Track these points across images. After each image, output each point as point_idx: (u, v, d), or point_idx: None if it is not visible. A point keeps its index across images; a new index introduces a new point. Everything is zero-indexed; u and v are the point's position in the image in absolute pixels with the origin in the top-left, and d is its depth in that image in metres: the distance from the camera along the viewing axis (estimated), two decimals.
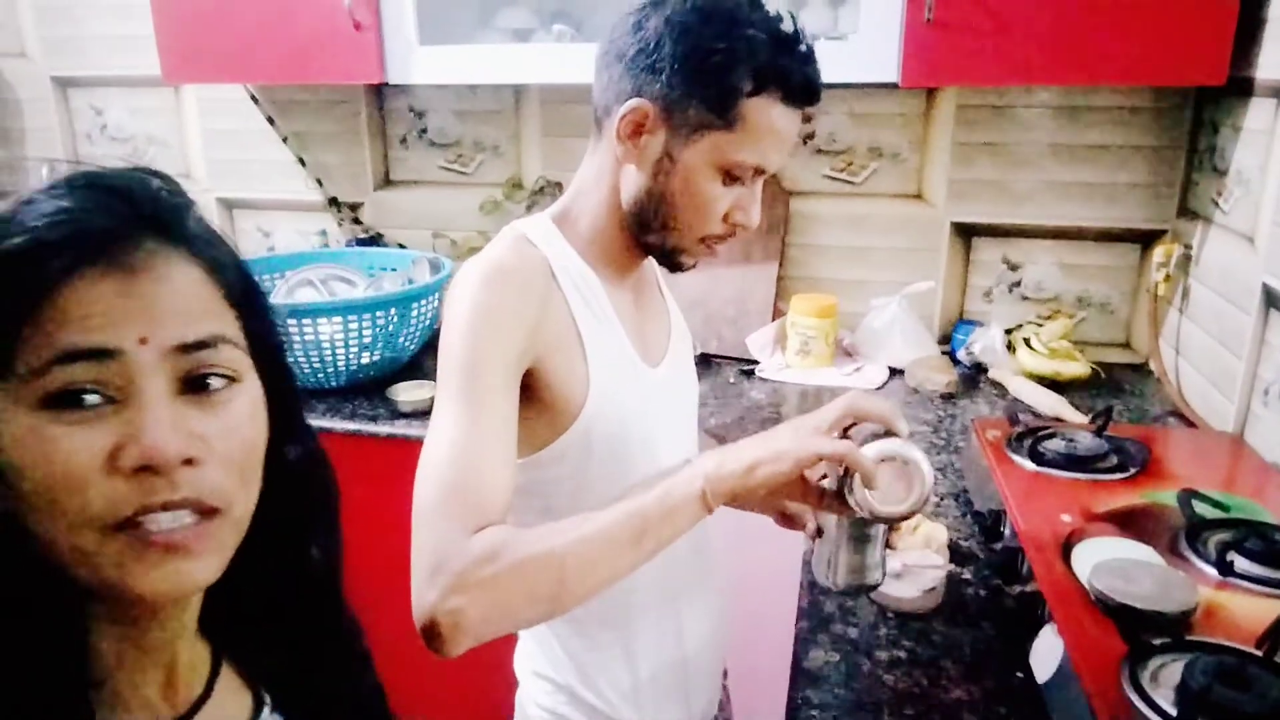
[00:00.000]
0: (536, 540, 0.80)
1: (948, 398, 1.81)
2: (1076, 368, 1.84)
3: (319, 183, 2.39)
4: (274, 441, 0.56)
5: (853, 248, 2.11)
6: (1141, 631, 0.87)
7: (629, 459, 0.99)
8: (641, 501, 0.82)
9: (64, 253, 0.48)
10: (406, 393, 1.79)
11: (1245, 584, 0.98)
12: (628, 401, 0.99)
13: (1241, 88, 1.58)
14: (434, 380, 0.92)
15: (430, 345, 1.93)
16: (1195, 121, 1.85)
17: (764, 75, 0.91)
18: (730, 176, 0.96)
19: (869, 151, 2.06)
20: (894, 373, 1.95)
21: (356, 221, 2.40)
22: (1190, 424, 1.64)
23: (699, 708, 1.15)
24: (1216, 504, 1.13)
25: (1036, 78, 1.75)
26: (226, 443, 0.52)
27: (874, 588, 0.99)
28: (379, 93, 2.30)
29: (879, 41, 1.67)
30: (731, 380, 1.95)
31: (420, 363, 1.99)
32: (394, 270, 2.14)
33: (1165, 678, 0.82)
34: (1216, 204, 1.68)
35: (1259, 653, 0.84)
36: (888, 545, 1.05)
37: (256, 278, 0.59)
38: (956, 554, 1.21)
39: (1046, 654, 0.95)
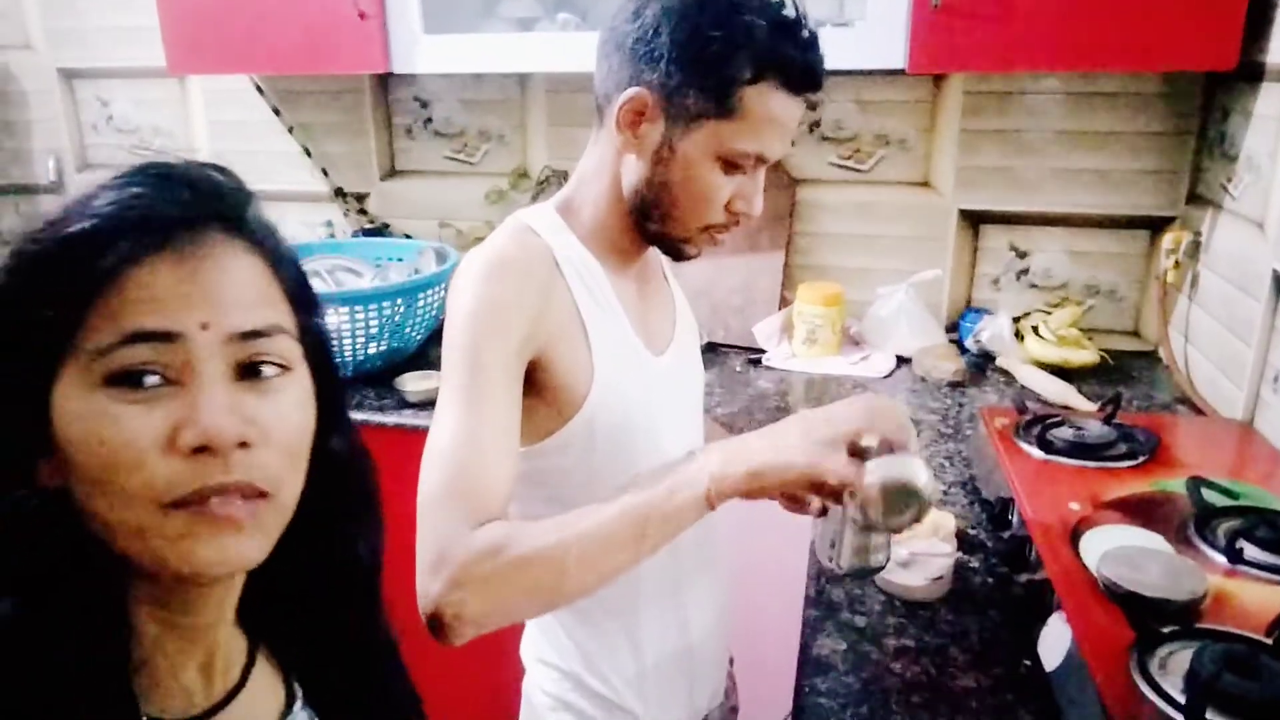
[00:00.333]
0: (538, 536, 0.80)
1: (955, 386, 1.81)
2: (1085, 355, 1.83)
3: (325, 173, 2.39)
4: (319, 433, 0.58)
5: (860, 236, 2.11)
6: (1150, 619, 0.87)
7: (633, 447, 0.99)
8: (645, 498, 0.81)
9: (132, 238, 0.50)
10: (413, 383, 1.79)
11: (1255, 572, 0.97)
12: (631, 390, 0.99)
13: (1252, 73, 1.57)
14: (440, 370, 0.92)
15: (437, 335, 1.93)
16: (1205, 107, 1.83)
17: (763, 63, 0.90)
18: (731, 165, 0.95)
19: (876, 139, 2.05)
20: (901, 361, 1.94)
21: (362, 212, 2.40)
22: (1199, 411, 1.63)
23: (704, 695, 1.15)
24: (1226, 491, 1.13)
25: (1044, 64, 1.73)
26: (278, 429, 0.53)
27: (878, 570, 0.98)
28: (384, 82, 2.30)
29: (886, 28, 1.66)
30: (738, 369, 1.94)
31: (427, 353, 1.99)
32: (400, 260, 2.14)
33: (1174, 666, 0.82)
34: (1226, 190, 1.67)
35: (1268, 641, 0.84)
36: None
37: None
38: (964, 542, 1.21)
39: (1054, 642, 0.94)
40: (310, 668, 0.65)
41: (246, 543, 0.52)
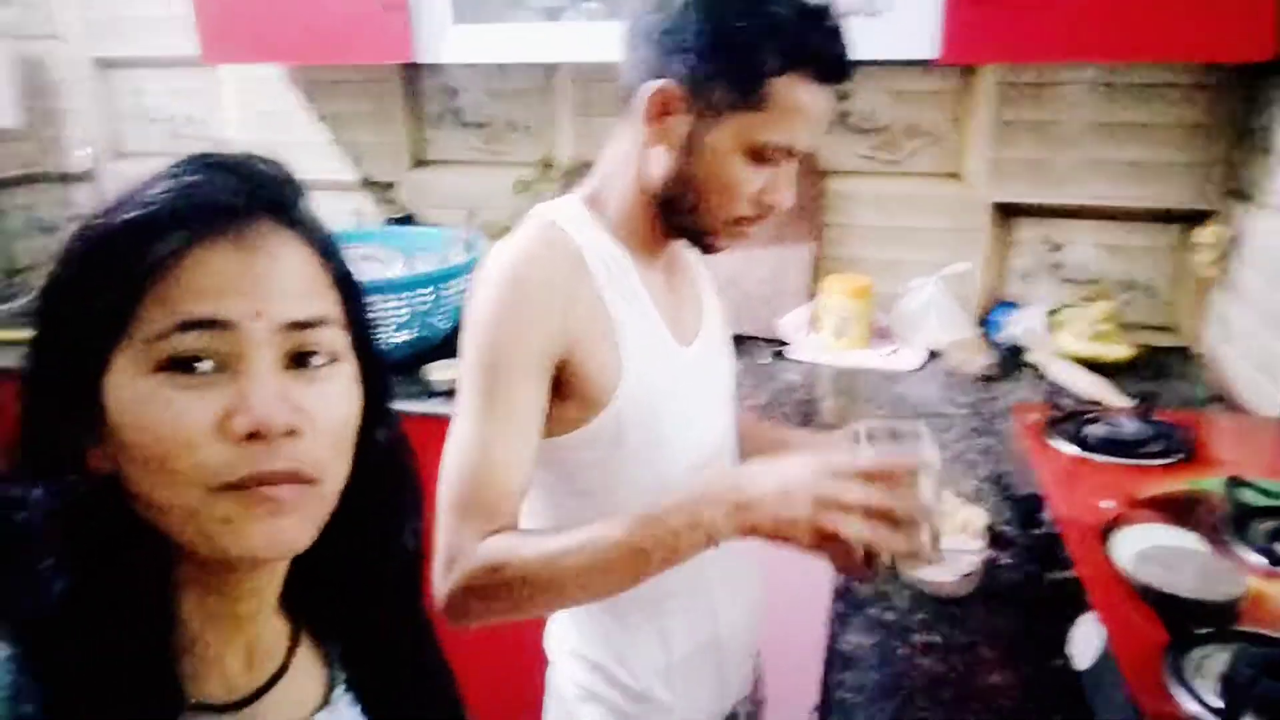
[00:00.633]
0: (538, 556, 0.86)
1: (986, 380, 1.79)
2: (1118, 350, 1.80)
3: (354, 162, 2.40)
4: (364, 423, 0.58)
5: (890, 228, 2.09)
6: (1185, 621, 0.86)
7: (662, 439, 0.99)
8: (649, 534, 0.84)
9: (188, 226, 0.51)
10: (439, 372, 1.80)
11: None
12: (660, 382, 0.99)
13: None
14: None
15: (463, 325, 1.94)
16: (1243, 99, 1.79)
17: (791, 53, 0.89)
18: (760, 157, 0.93)
19: (907, 130, 2.02)
20: (931, 355, 1.92)
21: (390, 201, 2.41)
22: (1236, 409, 1.60)
23: (732, 688, 1.15)
24: (1264, 491, 1.10)
25: (1079, 54, 1.70)
26: (325, 417, 0.54)
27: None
28: (412, 72, 2.30)
29: (917, 17, 1.64)
30: (765, 361, 1.93)
31: (453, 342, 1.97)
32: (427, 250, 2.15)
33: (1209, 669, 0.80)
34: (1265, 185, 1.64)
35: None
36: None
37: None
38: (994, 539, 1.19)
39: (1085, 641, 0.93)
40: (352, 653, 0.66)
41: (294, 527, 0.53)
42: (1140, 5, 1.52)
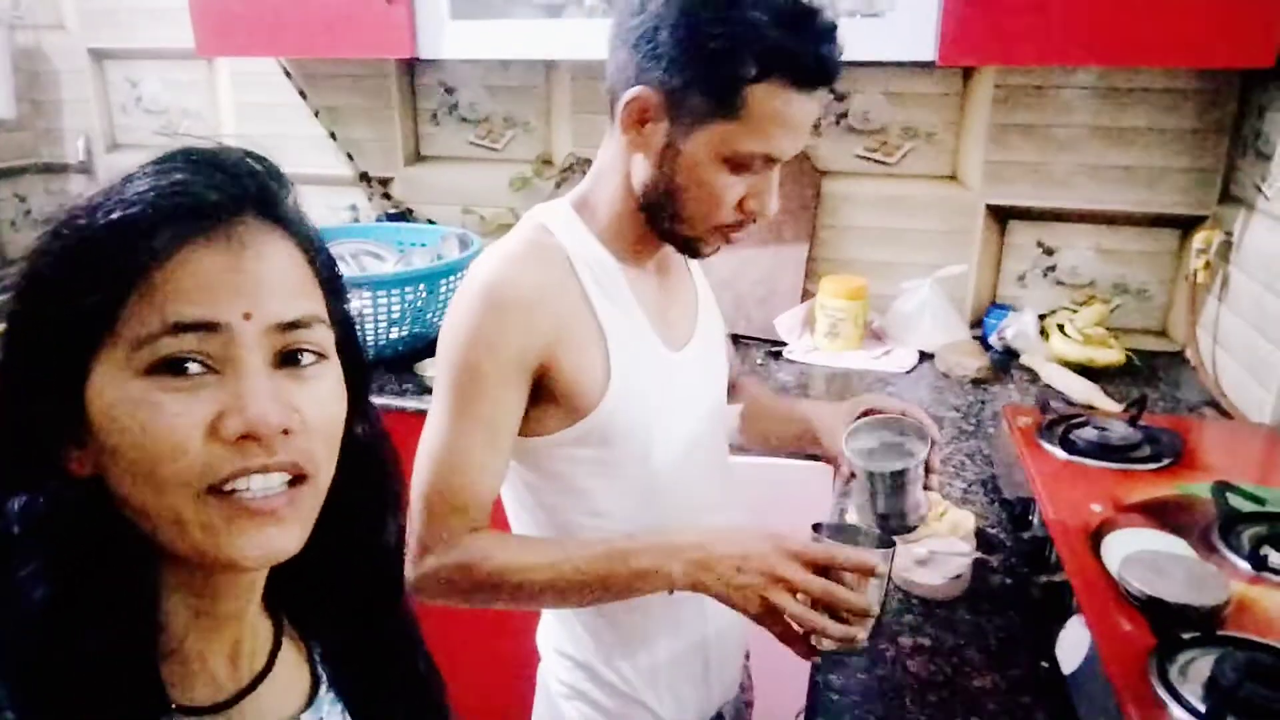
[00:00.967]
0: (509, 567, 0.92)
1: (978, 383, 1.79)
2: (1111, 355, 1.81)
3: (350, 157, 2.40)
4: (346, 420, 0.58)
5: (885, 229, 2.09)
6: (1171, 625, 0.86)
7: (650, 444, 0.99)
8: (613, 574, 0.91)
9: (174, 225, 0.49)
10: (434, 368, 1.80)
11: (1279, 579, 0.96)
12: (648, 388, 0.99)
13: None
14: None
15: None
16: (1240, 105, 1.80)
17: (768, 59, 0.86)
18: (740, 166, 0.91)
19: (903, 131, 2.03)
20: (924, 357, 1.93)
21: (387, 196, 2.40)
22: (1226, 415, 1.61)
23: (719, 689, 1.15)
24: (1252, 497, 1.11)
25: (1077, 58, 1.71)
26: (317, 415, 0.54)
27: (913, 529, 0.99)
28: (410, 67, 2.30)
29: (916, 19, 1.64)
30: (759, 362, 1.93)
31: None
32: (424, 246, 2.14)
33: (1194, 673, 0.81)
34: (1260, 190, 1.64)
35: None
36: (925, 487, 1.04)
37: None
38: (984, 541, 1.20)
39: (1073, 645, 0.94)
40: (336, 651, 0.66)
41: (285, 533, 0.52)
42: (1139, 11, 1.52)
